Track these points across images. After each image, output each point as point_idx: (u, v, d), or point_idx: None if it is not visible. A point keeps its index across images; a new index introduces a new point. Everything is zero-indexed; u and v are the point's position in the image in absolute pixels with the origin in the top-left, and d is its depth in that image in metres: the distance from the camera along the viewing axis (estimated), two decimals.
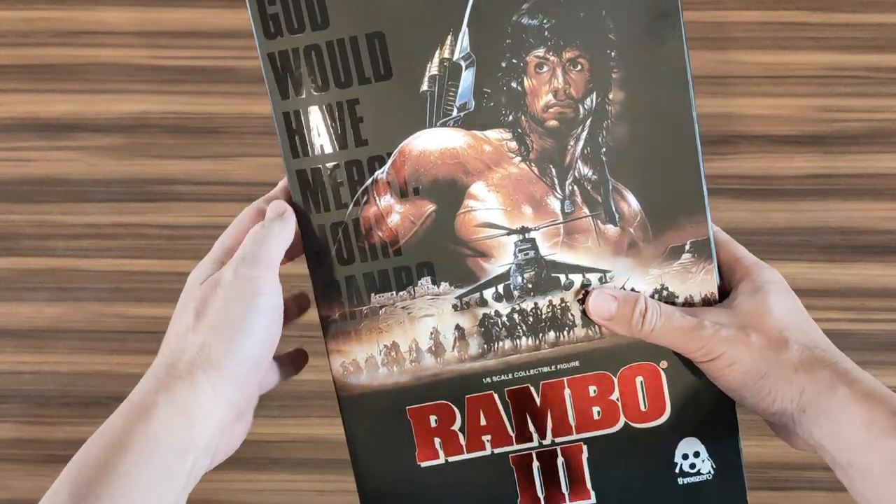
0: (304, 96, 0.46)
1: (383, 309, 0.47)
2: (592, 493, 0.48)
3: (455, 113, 0.46)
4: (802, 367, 0.44)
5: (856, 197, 0.88)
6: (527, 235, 0.47)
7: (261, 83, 0.96)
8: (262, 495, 0.85)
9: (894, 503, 0.41)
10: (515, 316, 0.47)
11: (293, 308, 0.51)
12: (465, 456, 0.48)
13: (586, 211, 0.47)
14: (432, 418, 0.48)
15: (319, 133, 0.46)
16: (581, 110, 0.46)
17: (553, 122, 0.46)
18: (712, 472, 0.48)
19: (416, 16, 0.45)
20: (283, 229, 0.45)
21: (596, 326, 0.47)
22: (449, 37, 0.46)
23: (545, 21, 0.46)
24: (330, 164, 0.46)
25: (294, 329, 0.50)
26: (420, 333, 0.48)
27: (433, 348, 0.48)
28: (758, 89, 0.89)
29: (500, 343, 0.48)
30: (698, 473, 0.48)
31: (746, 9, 0.90)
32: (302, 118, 0.46)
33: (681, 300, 0.47)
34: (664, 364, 0.47)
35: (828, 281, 0.87)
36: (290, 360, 0.51)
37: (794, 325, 0.45)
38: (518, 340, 0.48)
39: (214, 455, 0.43)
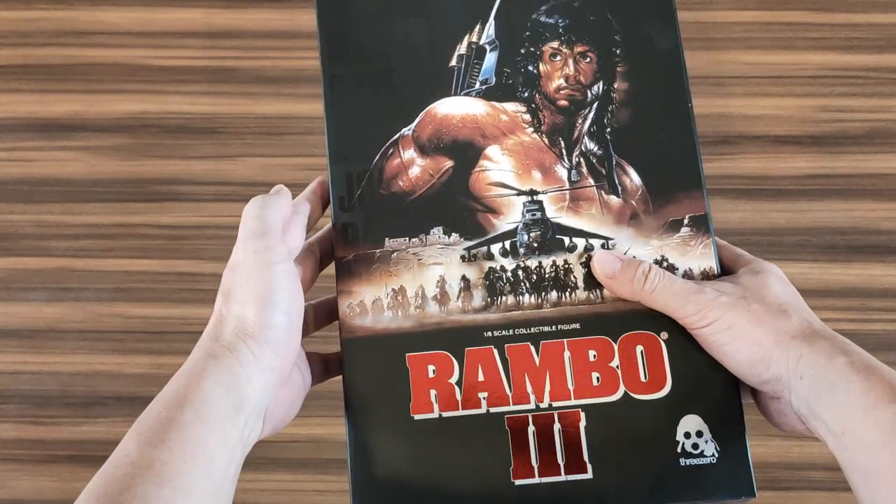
0: (349, 65, 0.53)
1: (395, 254, 0.50)
2: (589, 467, 0.48)
3: (478, 86, 0.52)
4: (801, 336, 0.45)
5: (856, 197, 0.88)
6: (535, 197, 0.51)
7: (261, 84, 0.96)
8: (262, 495, 0.84)
9: (887, 471, 0.41)
10: (520, 272, 0.50)
11: (311, 319, 0.53)
12: (460, 412, 0.49)
13: (591, 181, 0.51)
14: (430, 368, 0.49)
15: (360, 94, 0.52)
16: (589, 95, 0.52)
17: (563, 102, 0.52)
18: (716, 454, 0.47)
19: (453, 8, 0.53)
20: (278, 200, 0.48)
21: (598, 290, 0.49)
22: (478, 25, 0.53)
23: (560, 20, 0.53)
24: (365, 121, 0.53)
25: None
26: (427, 280, 0.50)
27: (438, 296, 0.50)
28: (758, 89, 0.90)
29: (504, 298, 0.50)
30: (701, 455, 0.48)
31: (747, 9, 0.90)
32: (347, 81, 0.53)
33: (680, 272, 0.49)
34: (665, 335, 0.49)
35: (828, 281, 0.87)
36: (321, 363, 0.54)
37: (793, 303, 0.47)
38: (521, 297, 0.50)
39: (266, 419, 0.47)
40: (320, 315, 0.53)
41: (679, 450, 0.47)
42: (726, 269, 0.50)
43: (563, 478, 0.48)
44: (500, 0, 0.53)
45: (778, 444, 0.84)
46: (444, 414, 0.48)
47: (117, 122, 0.93)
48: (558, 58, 0.52)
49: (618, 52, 0.52)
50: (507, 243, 0.50)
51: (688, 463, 0.47)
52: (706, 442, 0.47)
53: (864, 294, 0.87)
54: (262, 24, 0.99)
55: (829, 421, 0.43)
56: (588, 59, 0.52)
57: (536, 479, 0.48)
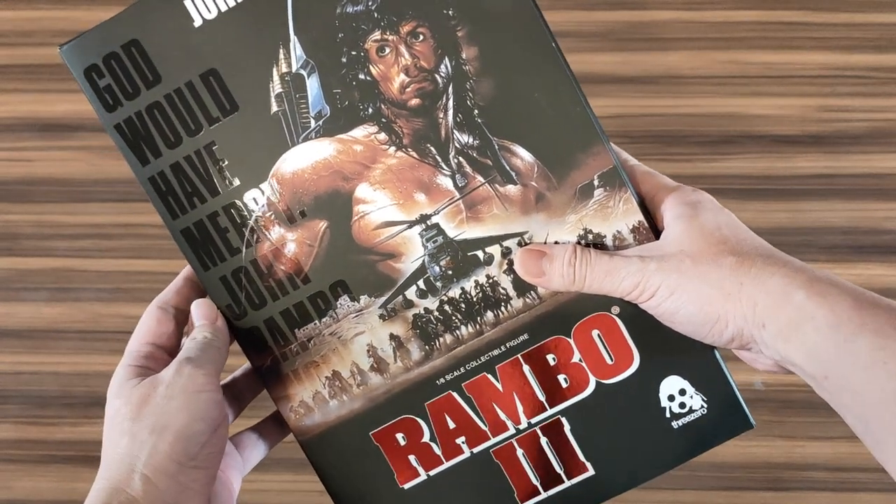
0: (162, 156, 0.44)
1: (312, 341, 0.45)
2: (589, 465, 0.46)
3: (313, 123, 0.44)
4: (748, 280, 0.39)
5: (858, 197, 0.88)
6: (429, 222, 0.44)
7: None
8: (263, 495, 0.85)
9: (883, 411, 0.37)
10: (446, 307, 0.45)
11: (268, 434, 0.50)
12: (446, 465, 0.46)
13: (480, 179, 0.44)
14: (399, 437, 0.46)
15: (189, 187, 0.44)
16: (439, 80, 0.43)
17: (415, 101, 0.44)
18: (704, 405, 0.45)
19: (241, 40, 0.43)
20: (224, 341, 0.44)
21: (533, 292, 0.45)
22: (281, 50, 0.43)
23: (370, 3, 0.43)
24: (209, 214, 0.45)
25: None
26: (357, 355, 0.45)
27: (375, 365, 0.46)
28: (760, 89, 0.89)
29: (441, 339, 0.45)
30: (690, 411, 0.45)
31: (749, 8, 0.90)
32: (169, 178, 0.44)
33: (609, 239, 0.44)
34: (616, 309, 0.45)
35: None
36: (273, 424, 0.50)
37: (729, 238, 0.41)
38: (458, 331, 0.45)
39: None
40: (270, 433, 0.49)
41: (668, 414, 0.45)
42: (652, 207, 0.44)
43: (568, 483, 0.46)
44: (291, 7, 0.42)
45: (779, 445, 0.84)
46: (432, 472, 0.47)
47: None
48: (387, 50, 0.43)
49: (451, 13, 0.42)
50: (421, 283, 0.45)
51: (681, 423, 0.45)
52: (691, 397, 0.45)
53: None
54: None
55: (804, 365, 0.39)
56: (421, 38, 0.43)
57: (543, 495, 0.46)
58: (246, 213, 0.45)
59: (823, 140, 0.90)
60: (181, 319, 0.46)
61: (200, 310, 0.45)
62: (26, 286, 0.92)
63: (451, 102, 0.44)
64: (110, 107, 0.44)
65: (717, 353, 0.45)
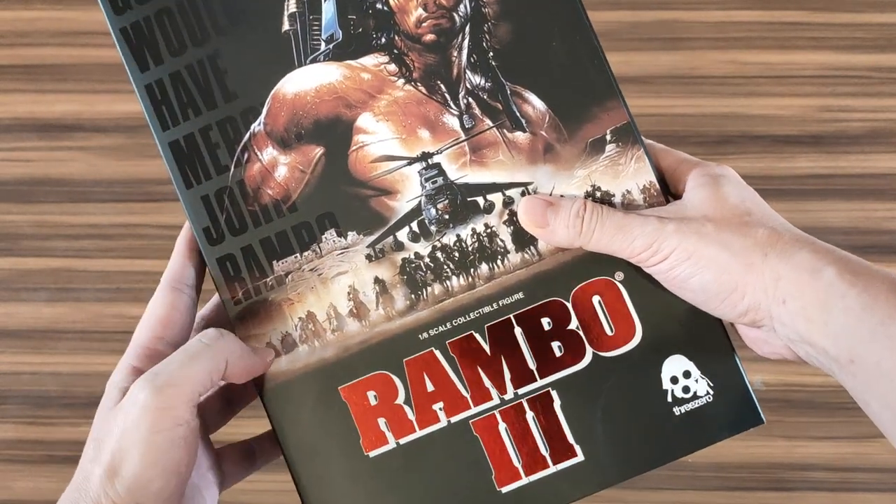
0: (164, 64, 0.42)
1: (289, 276, 0.41)
2: (578, 449, 0.41)
3: (323, 47, 0.41)
4: (774, 252, 0.36)
5: (858, 197, 0.87)
6: (430, 161, 0.41)
7: None
8: (261, 495, 0.84)
9: None
10: (438, 254, 0.41)
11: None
12: (419, 433, 0.41)
13: (489, 122, 0.41)
14: (371, 395, 0.41)
15: (185, 97, 0.41)
16: (457, 18, 0.41)
17: (430, 37, 0.41)
18: (710, 391, 0.41)
19: None
20: (214, 356, 0.38)
21: (532, 248, 0.41)
22: None
23: None
24: (202, 128, 0.42)
25: None
26: (336, 296, 0.41)
27: (354, 310, 0.41)
28: (759, 89, 0.89)
29: (429, 289, 0.41)
30: (695, 397, 0.41)
31: (748, 8, 0.90)
32: (166, 86, 0.42)
33: (618, 198, 0.41)
34: (620, 275, 0.41)
35: None
36: (241, 455, 0.44)
37: (755, 211, 0.38)
38: (448, 282, 0.41)
39: None
40: (236, 461, 0.44)
41: (669, 398, 0.41)
42: (673, 181, 0.41)
43: (552, 469, 0.41)
44: None
45: (781, 445, 0.83)
46: (402, 441, 0.41)
47: (117, 122, 0.92)
48: None
49: None
50: (415, 225, 0.41)
51: (682, 410, 0.41)
52: (696, 381, 0.41)
53: None
54: None
55: (828, 348, 0.35)
56: None
57: (525, 480, 0.41)
58: (241, 130, 0.41)
59: (823, 140, 0.90)
60: (195, 299, 0.42)
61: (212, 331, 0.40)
62: (26, 286, 0.91)
63: (466, 42, 0.41)
64: (119, 9, 0.42)
65: (728, 337, 0.41)
